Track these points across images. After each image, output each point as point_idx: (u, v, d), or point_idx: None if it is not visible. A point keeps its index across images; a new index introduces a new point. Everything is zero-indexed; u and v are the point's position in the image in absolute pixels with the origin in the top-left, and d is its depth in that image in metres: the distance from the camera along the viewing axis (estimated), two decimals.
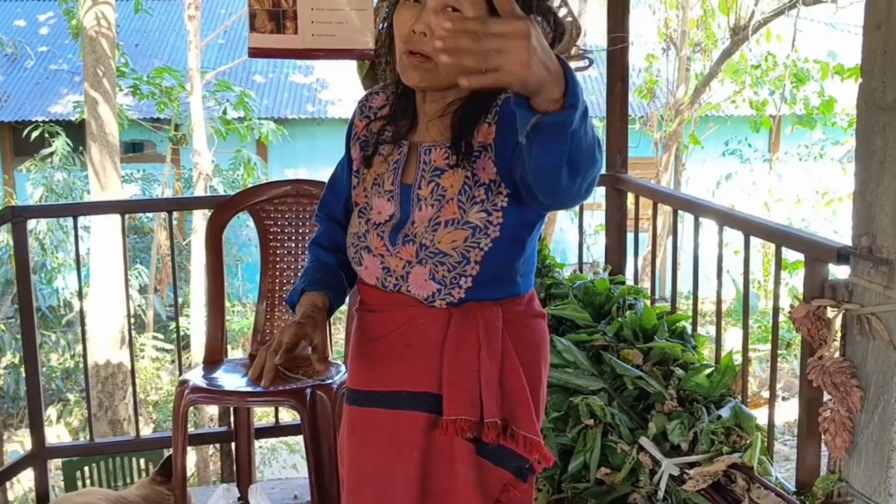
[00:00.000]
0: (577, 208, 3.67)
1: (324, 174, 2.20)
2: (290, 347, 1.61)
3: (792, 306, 2.49)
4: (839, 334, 2.35)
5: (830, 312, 2.34)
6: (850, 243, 2.32)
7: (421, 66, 1.60)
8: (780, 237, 2.78)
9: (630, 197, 3.74)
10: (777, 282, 2.83)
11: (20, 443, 8.87)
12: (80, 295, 3.62)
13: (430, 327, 1.69)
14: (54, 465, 4.15)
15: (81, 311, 3.54)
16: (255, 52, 3.18)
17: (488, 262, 1.65)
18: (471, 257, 1.64)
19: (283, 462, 8.57)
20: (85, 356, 3.52)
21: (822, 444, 2.49)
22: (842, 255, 2.33)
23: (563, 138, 1.31)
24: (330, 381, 2.75)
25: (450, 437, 1.64)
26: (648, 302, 3.40)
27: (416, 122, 1.73)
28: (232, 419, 3.30)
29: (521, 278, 1.73)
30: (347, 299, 1.93)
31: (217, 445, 5.53)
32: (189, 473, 7.83)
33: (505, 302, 1.70)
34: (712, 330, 3.35)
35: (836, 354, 2.34)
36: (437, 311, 1.69)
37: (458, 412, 1.64)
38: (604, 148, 1.43)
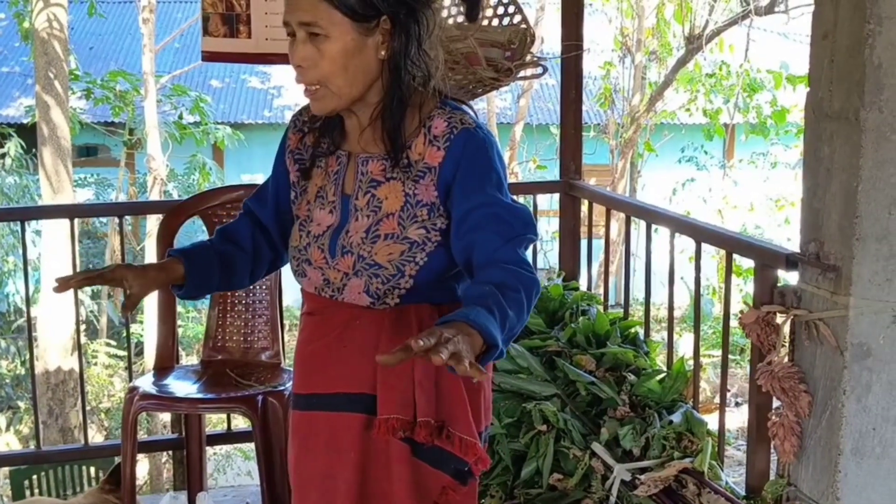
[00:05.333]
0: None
1: None
2: (102, 276, 1.73)
3: (742, 312, 2.51)
4: (788, 340, 2.37)
5: (779, 318, 2.36)
6: (799, 250, 2.35)
7: (314, 96, 1.66)
8: (731, 244, 2.81)
9: (584, 204, 3.75)
10: (728, 288, 2.85)
11: None
12: (28, 300, 3.54)
13: (367, 328, 1.71)
14: (2, 473, 4.07)
15: (28, 318, 3.48)
16: (209, 56, 3.15)
17: (422, 277, 1.67)
18: (405, 271, 1.66)
19: (237, 469, 8.49)
20: (32, 363, 3.47)
21: (772, 449, 2.51)
22: (790, 262, 2.35)
23: (496, 359, 1.48)
24: (282, 387, 2.73)
25: (382, 436, 1.66)
26: (602, 308, 3.42)
27: (346, 133, 1.76)
28: (183, 426, 3.25)
29: (458, 285, 1.75)
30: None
31: (171, 453, 5.48)
32: (141, 481, 7.73)
33: (444, 306, 1.71)
34: (667, 336, 3.37)
35: (785, 360, 2.36)
36: (373, 311, 1.70)
37: (390, 411, 1.66)
38: (538, 289, 1.62)
